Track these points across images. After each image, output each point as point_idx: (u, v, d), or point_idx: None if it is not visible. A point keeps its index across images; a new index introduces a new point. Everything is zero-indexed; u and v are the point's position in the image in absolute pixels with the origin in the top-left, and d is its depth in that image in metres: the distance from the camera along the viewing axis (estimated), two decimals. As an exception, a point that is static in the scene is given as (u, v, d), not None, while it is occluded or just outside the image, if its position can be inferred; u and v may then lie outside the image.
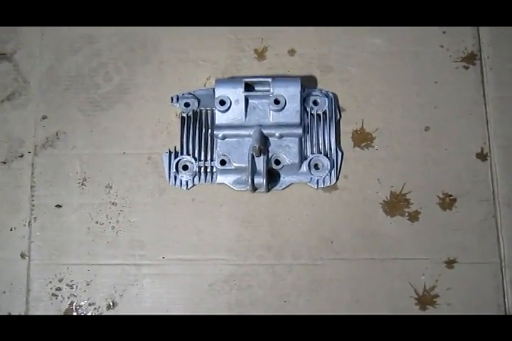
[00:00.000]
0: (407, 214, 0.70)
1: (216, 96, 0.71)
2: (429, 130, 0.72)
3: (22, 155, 0.74)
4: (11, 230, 0.71)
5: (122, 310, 0.69)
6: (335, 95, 0.74)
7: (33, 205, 0.72)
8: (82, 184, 0.72)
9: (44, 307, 0.69)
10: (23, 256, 0.71)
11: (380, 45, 0.76)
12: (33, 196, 0.72)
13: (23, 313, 0.69)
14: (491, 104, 0.73)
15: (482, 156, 0.71)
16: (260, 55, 0.76)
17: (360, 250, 0.69)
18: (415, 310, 0.67)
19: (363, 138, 0.73)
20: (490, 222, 0.69)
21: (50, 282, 0.70)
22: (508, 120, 0.72)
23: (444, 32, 0.75)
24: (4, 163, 0.74)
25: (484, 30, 0.75)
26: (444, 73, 0.74)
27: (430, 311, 0.67)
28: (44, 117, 0.75)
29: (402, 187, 0.71)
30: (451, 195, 0.70)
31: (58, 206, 0.72)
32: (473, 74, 0.74)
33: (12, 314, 0.69)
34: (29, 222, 0.71)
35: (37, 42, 0.78)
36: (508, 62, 0.74)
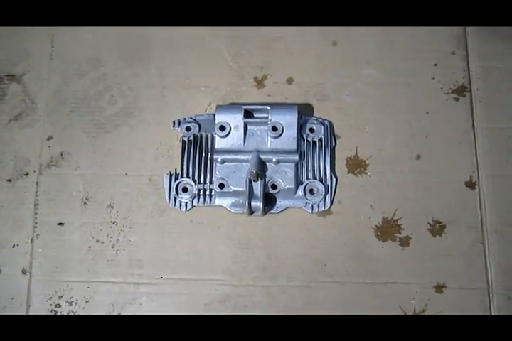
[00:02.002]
0: (398, 239, 0.72)
1: (216, 122, 0.73)
2: (420, 158, 0.75)
3: (27, 174, 0.76)
4: (14, 246, 0.73)
5: (119, 328, 0.70)
6: (330, 123, 0.76)
7: (36, 223, 0.74)
8: (85, 203, 0.75)
9: (43, 323, 0.71)
10: (24, 272, 0.72)
11: (375, 76, 0.78)
12: (36, 214, 0.74)
13: (22, 329, 0.70)
14: (479, 134, 0.75)
15: (471, 185, 0.73)
16: (259, 82, 0.79)
17: (353, 273, 0.71)
18: (405, 334, 0.69)
19: (356, 165, 0.75)
20: (478, 248, 0.71)
21: (50, 298, 0.71)
22: (496, 150, 0.74)
23: (435, 64, 0.78)
24: (9, 181, 0.76)
25: (474, 63, 0.78)
26: (435, 104, 0.76)
27: (419, 335, 0.69)
28: (50, 138, 0.78)
29: (394, 213, 0.73)
30: (440, 222, 0.72)
31: (60, 224, 0.74)
32: (463, 106, 0.76)
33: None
34: (31, 239, 0.73)
35: (45, 65, 0.81)
36: (497, 94, 0.76)
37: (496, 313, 0.69)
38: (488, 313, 0.69)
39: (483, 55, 0.78)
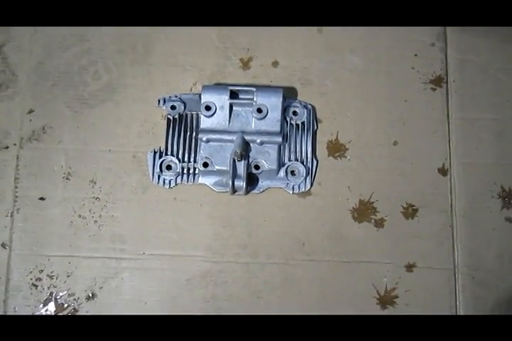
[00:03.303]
0: (373, 221, 0.75)
1: (202, 101, 0.74)
2: (397, 144, 0.78)
3: (7, 147, 0.75)
4: (-7, 220, 0.73)
5: (101, 301, 0.71)
6: (313, 107, 0.78)
7: (17, 197, 0.73)
8: (67, 178, 0.74)
9: (23, 296, 0.71)
10: (3, 245, 0.72)
11: (358, 63, 0.80)
12: (16, 188, 0.74)
13: (1, 302, 0.70)
14: (453, 124, 0.78)
15: (443, 171, 0.77)
16: (245, 64, 0.80)
17: (329, 252, 0.74)
18: (377, 309, 0.72)
19: (336, 149, 0.78)
20: (447, 231, 0.75)
21: (31, 272, 0.72)
22: (468, 139, 0.77)
23: (415, 54, 0.81)
24: (-11, 154, 0.75)
25: (452, 56, 0.81)
26: (413, 93, 0.79)
27: (390, 310, 0.72)
28: (31, 111, 0.77)
29: (370, 196, 0.76)
30: (413, 205, 0.76)
31: (42, 198, 0.74)
32: (439, 96, 0.79)
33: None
34: (11, 213, 0.73)
35: (27, 37, 0.79)
36: (471, 87, 0.79)
37: (460, 291, 0.73)
38: (453, 292, 0.73)
39: (460, 48, 0.81)
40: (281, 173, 0.75)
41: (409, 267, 0.74)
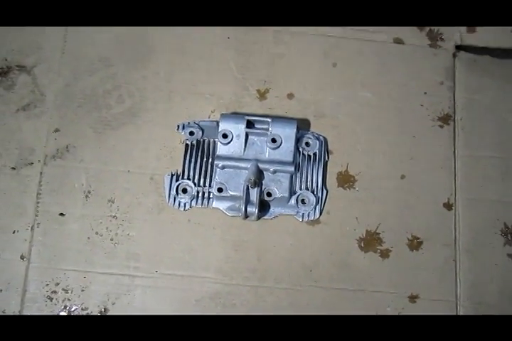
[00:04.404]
0: (379, 251, 0.77)
1: (220, 129, 0.77)
2: (404, 178, 0.80)
3: (32, 163, 0.78)
4: (14, 232, 0.75)
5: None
6: (325, 139, 0.81)
7: (38, 211, 0.76)
8: (86, 196, 0.77)
9: (38, 308, 0.73)
10: (22, 258, 0.75)
11: (369, 99, 0.83)
12: (38, 203, 0.77)
13: (17, 312, 0.72)
14: (459, 160, 0.81)
15: (448, 206, 0.80)
16: (262, 95, 0.83)
17: (336, 280, 0.76)
18: (378, 338, 0.75)
19: (346, 180, 0.80)
20: (450, 264, 0.77)
21: (47, 285, 0.74)
22: (474, 176, 0.80)
23: (425, 92, 0.85)
24: (14, 168, 0.78)
25: (460, 95, 0.84)
26: (421, 129, 0.82)
27: None
28: (56, 130, 0.80)
29: (377, 227, 0.78)
30: (418, 238, 0.78)
31: (61, 214, 0.76)
32: (446, 133, 0.82)
33: (6, 313, 0.72)
34: (32, 227, 0.75)
35: (57, 59, 0.82)
36: (478, 125, 0.82)
37: (460, 325, 0.75)
38: (453, 324, 0.75)
39: (468, 88, 0.84)
40: (292, 201, 0.78)
41: (413, 298, 0.76)
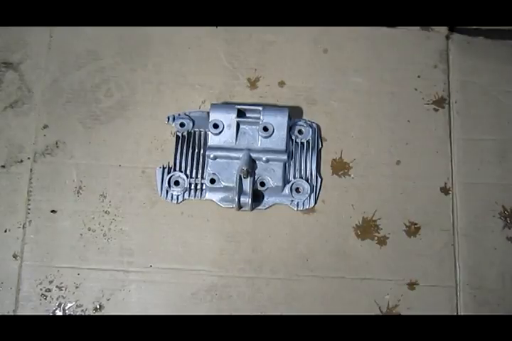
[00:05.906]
0: (376, 238, 0.76)
1: (210, 119, 0.76)
2: (400, 164, 0.79)
3: (21, 161, 0.78)
4: (6, 231, 0.75)
5: (109, 313, 0.72)
6: (318, 126, 0.80)
7: (29, 209, 0.76)
8: (78, 192, 0.77)
9: (33, 306, 0.72)
10: (15, 256, 0.74)
11: (362, 84, 0.82)
12: (29, 200, 0.76)
13: (11, 312, 0.72)
14: (455, 144, 0.80)
15: (445, 190, 0.79)
16: (252, 84, 0.82)
17: (333, 269, 0.75)
18: (378, 326, 0.74)
19: (340, 167, 0.79)
20: (449, 249, 0.76)
21: (41, 283, 0.73)
22: (470, 159, 0.79)
23: (418, 76, 0.83)
24: (3, 166, 0.77)
25: (454, 77, 0.83)
26: (416, 113, 0.81)
27: (391, 327, 0.74)
28: (45, 126, 0.79)
29: (373, 214, 0.77)
30: (416, 224, 0.77)
31: (53, 211, 0.76)
32: (441, 116, 0.81)
33: (0, 312, 0.72)
34: (24, 225, 0.75)
35: (43, 55, 0.82)
36: (473, 108, 0.81)
37: (461, 309, 0.74)
38: (454, 309, 0.74)
39: (462, 70, 0.83)
40: (286, 190, 0.77)
41: (411, 285, 0.75)
